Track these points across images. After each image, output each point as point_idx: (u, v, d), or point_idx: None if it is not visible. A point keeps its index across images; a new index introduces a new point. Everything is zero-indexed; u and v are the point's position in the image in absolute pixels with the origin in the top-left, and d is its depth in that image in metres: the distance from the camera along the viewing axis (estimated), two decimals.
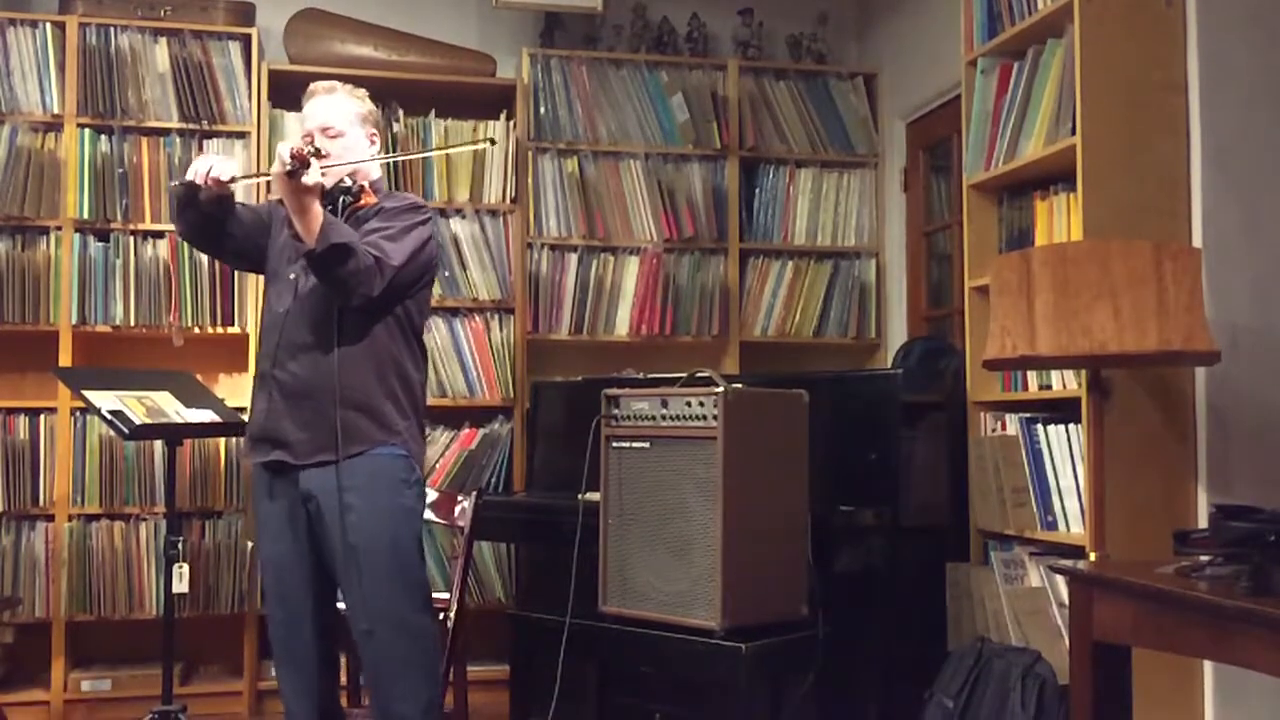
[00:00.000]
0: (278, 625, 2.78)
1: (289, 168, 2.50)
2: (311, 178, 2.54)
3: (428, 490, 3.09)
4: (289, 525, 2.74)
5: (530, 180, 4.48)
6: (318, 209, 2.56)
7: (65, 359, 4.03)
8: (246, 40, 4.28)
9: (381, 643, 2.67)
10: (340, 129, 2.81)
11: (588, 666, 3.32)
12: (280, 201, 2.64)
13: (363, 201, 2.77)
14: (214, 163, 2.68)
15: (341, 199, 2.73)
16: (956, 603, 3.42)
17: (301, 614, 2.75)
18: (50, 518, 4.02)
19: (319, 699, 2.77)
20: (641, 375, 3.89)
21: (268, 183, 2.91)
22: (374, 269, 2.62)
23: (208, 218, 2.77)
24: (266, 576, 2.83)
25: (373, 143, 2.92)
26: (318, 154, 2.58)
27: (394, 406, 2.75)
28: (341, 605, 2.77)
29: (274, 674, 2.84)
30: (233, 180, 2.70)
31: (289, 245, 2.77)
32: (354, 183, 2.76)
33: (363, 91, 2.92)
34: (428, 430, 4.25)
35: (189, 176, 2.68)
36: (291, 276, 2.76)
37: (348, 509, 2.64)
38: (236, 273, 4.15)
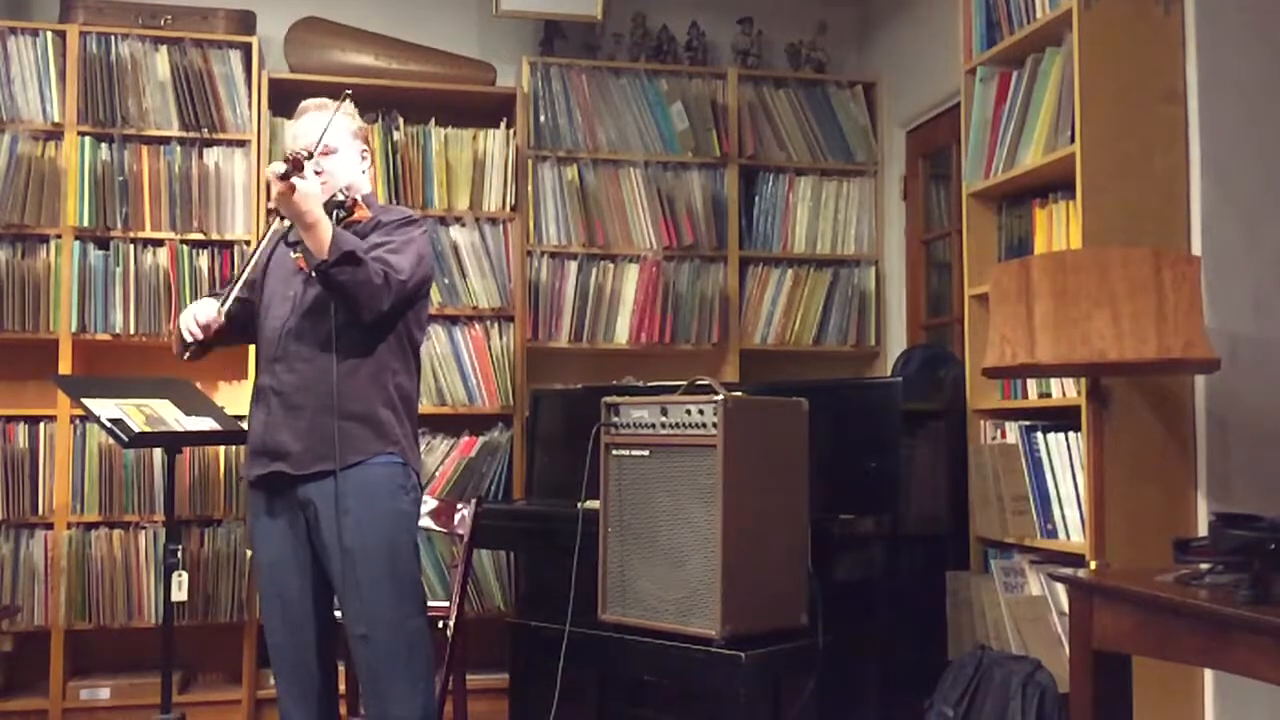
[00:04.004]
0: (276, 634, 2.79)
1: (282, 171, 2.52)
2: (309, 185, 2.56)
3: (426, 498, 3.10)
4: (288, 535, 2.76)
5: (530, 188, 4.49)
6: (325, 220, 2.58)
7: (65, 367, 4.03)
8: (247, 49, 4.28)
9: (378, 647, 2.67)
10: (334, 145, 2.82)
11: (587, 675, 3.31)
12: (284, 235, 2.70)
13: (356, 216, 2.77)
14: (194, 313, 2.73)
15: (335, 213, 2.72)
16: (956, 611, 3.41)
17: (301, 623, 2.76)
18: (49, 526, 4.02)
19: (318, 708, 2.77)
20: (641, 383, 3.89)
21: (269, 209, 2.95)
22: (384, 285, 2.64)
23: (228, 342, 2.90)
24: (264, 586, 2.83)
25: (364, 159, 2.94)
26: (309, 156, 2.61)
27: (392, 415, 2.77)
28: (338, 613, 2.78)
29: (273, 683, 2.84)
30: (219, 315, 2.75)
31: (285, 265, 2.80)
32: (346, 196, 2.77)
33: (352, 107, 2.92)
34: (427, 438, 4.26)
35: (188, 340, 2.74)
36: (291, 293, 2.78)
37: (345, 513, 2.65)
38: None
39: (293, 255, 2.72)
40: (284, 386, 2.73)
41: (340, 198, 2.75)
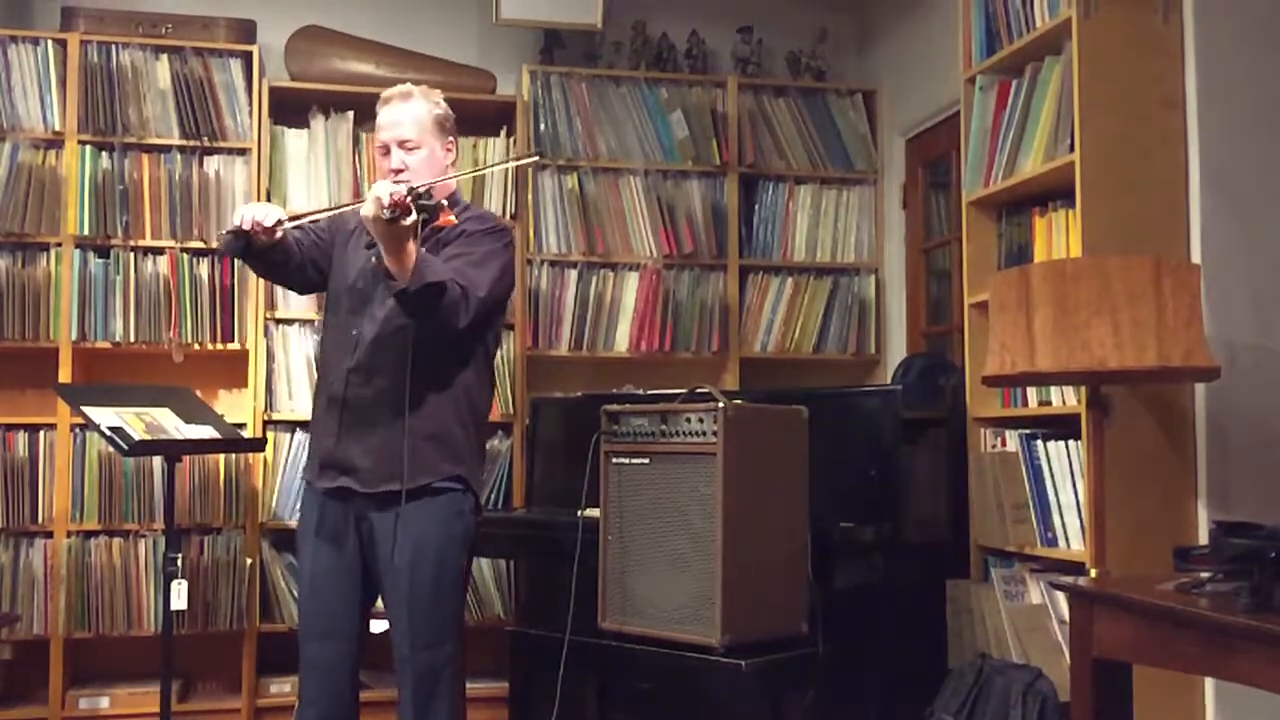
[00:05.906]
0: (310, 640, 2.77)
1: (389, 215, 2.41)
2: (411, 219, 2.45)
3: None
4: (337, 544, 2.74)
5: (530, 196, 4.49)
6: (413, 246, 2.49)
7: (65, 375, 4.02)
8: (248, 57, 4.28)
9: (422, 666, 2.69)
10: (417, 141, 2.74)
11: (587, 683, 3.31)
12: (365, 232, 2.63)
13: (442, 220, 2.64)
14: (255, 210, 2.62)
15: (421, 214, 2.60)
16: (957, 619, 3.41)
17: (338, 631, 2.75)
18: (49, 534, 4.01)
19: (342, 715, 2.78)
20: (641, 391, 3.89)
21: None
22: (461, 301, 2.58)
23: (266, 261, 2.74)
24: (305, 592, 2.81)
25: (449, 151, 2.85)
26: (417, 197, 2.47)
27: (462, 431, 2.75)
28: (376, 625, 2.77)
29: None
30: (279, 224, 2.64)
31: (366, 265, 2.73)
32: (432, 200, 2.63)
33: (438, 94, 2.84)
34: None
35: (238, 225, 2.62)
36: (372, 296, 2.73)
37: (403, 534, 2.64)
38: (236, 290, 4.16)
39: (372, 260, 2.66)
40: (359, 400, 2.69)
41: (427, 198, 2.58)
